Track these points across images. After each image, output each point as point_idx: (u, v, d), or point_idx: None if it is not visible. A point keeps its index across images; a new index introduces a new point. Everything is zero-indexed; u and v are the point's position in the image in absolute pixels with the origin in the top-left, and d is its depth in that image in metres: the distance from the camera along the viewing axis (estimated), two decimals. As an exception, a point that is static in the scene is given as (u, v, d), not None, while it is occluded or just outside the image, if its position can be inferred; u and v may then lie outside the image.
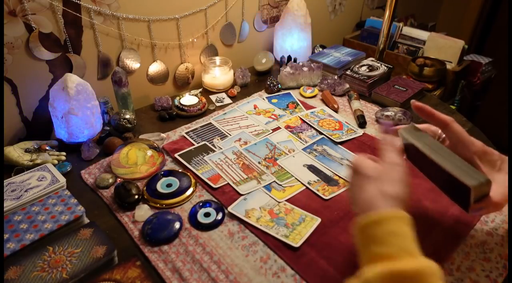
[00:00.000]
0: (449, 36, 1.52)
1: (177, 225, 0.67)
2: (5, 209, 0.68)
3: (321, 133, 0.94)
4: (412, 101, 0.62)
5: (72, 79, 0.82)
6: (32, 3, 0.81)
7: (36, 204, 0.69)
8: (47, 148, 0.85)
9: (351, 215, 0.70)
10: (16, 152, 0.81)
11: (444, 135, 0.61)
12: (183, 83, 1.20)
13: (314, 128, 0.96)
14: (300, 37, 1.29)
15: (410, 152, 0.59)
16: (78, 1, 0.87)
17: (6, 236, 0.62)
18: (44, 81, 0.91)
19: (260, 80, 1.24)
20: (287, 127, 0.97)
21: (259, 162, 0.84)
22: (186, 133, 0.94)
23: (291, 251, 0.63)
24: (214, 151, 0.87)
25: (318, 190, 0.76)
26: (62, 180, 0.75)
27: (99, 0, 0.91)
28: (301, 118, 1.00)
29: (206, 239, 0.66)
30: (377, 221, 0.47)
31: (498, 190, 0.53)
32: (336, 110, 1.04)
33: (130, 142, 0.83)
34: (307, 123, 0.98)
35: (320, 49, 1.40)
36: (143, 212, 0.70)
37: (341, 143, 0.91)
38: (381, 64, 1.22)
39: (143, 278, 0.57)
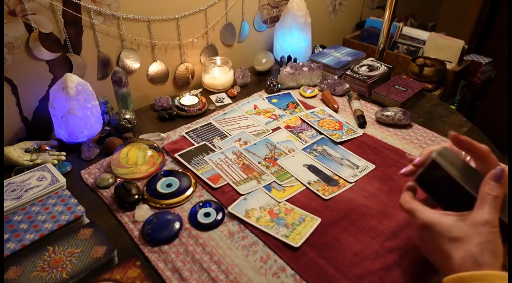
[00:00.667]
0: (449, 36, 1.53)
1: (177, 225, 0.67)
2: (5, 209, 0.68)
3: (321, 133, 0.94)
4: (451, 133, 0.56)
5: (72, 79, 0.82)
6: (32, 3, 0.81)
7: (36, 204, 0.69)
8: (47, 148, 0.85)
9: (351, 215, 0.70)
10: (16, 152, 0.81)
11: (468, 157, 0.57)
12: (183, 83, 1.20)
13: (314, 128, 0.96)
14: (300, 37, 1.29)
15: (431, 176, 0.55)
16: (78, 1, 0.87)
17: (6, 236, 0.62)
18: (44, 81, 0.91)
19: (260, 80, 1.24)
20: (287, 127, 0.97)
21: (259, 162, 0.84)
22: (186, 133, 0.94)
23: (291, 251, 0.63)
24: (214, 151, 0.87)
25: (318, 190, 0.76)
26: (62, 180, 0.75)
27: (99, 0, 0.91)
28: (301, 118, 1.00)
29: (206, 239, 0.66)
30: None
31: None
32: (336, 110, 1.04)
33: (130, 142, 0.83)
34: (307, 123, 0.98)
35: (320, 49, 1.40)
36: (143, 212, 0.70)
37: (341, 143, 0.91)
38: (381, 64, 1.22)
39: (143, 278, 0.57)
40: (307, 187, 0.77)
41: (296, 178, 0.79)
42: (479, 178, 0.51)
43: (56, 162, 0.83)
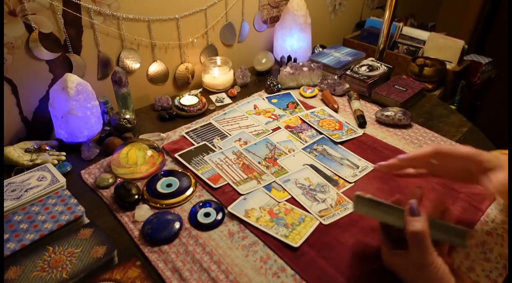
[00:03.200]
0: (449, 36, 1.52)
1: (177, 225, 0.67)
2: (5, 209, 0.68)
3: (321, 133, 0.94)
4: (377, 165, 0.64)
5: (72, 79, 0.82)
6: (32, 3, 0.81)
7: (36, 204, 0.69)
8: (47, 148, 0.85)
9: (351, 215, 0.70)
10: (16, 152, 0.81)
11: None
12: (183, 83, 1.20)
13: (314, 128, 0.96)
14: (300, 37, 1.29)
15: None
16: (78, 1, 0.87)
17: (6, 236, 0.62)
18: (44, 81, 0.91)
19: (260, 80, 1.24)
20: (287, 127, 0.97)
21: (259, 162, 0.84)
22: (186, 133, 0.94)
23: (291, 251, 0.63)
24: (214, 151, 0.87)
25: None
26: (62, 180, 0.75)
27: (99, 0, 0.91)
28: (301, 118, 1.00)
29: (206, 239, 0.66)
30: None
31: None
32: (336, 110, 1.04)
33: (130, 142, 0.83)
34: (307, 123, 0.98)
35: (320, 49, 1.40)
36: (143, 212, 0.70)
37: (341, 143, 0.91)
38: (381, 64, 1.22)
39: (143, 278, 0.57)
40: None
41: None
42: (398, 212, 0.55)
43: (56, 162, 0.83)
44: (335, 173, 0.81)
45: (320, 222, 0.68)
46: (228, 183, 0.78)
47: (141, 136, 0.91)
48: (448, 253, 0.57)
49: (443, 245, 0.55)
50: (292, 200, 0.74)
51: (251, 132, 0.94)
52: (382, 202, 0.56)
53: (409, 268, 0.53)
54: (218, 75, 1.14)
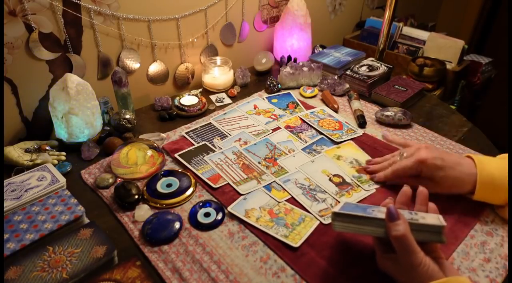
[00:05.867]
0: (449, 36, 1.52)
1: (177, 225, 0.67)
2: (5, 209, 0.68)
3: (321, 133, 0.94)
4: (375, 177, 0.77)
5: (72, 79, 0.82)
6: (32, 3, 0.81)
7: (36, 204, 0.69)
8: (47, 148, 0.85)
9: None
10: (16, 152, 0.81)
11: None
12: (183, 83, 1.20)
13: (314, 128, 0.96)
14: (300, 37, 1.29)
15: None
16: (78, 1, 0.87)
17: (6, 236, 0.62)
18: (44, 81, 0.91)
19: (260, 80, 1.24)
20: (287, 127, 0.97)
21: (259, 162, 0.84)
22: (186, 133, 0.94)
23: (291, 251, 0.63)
24: (214, 151, 0.87)
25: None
26: (62, 180, 0.75)
27: (99, 0, 0.91)
28: (301, 118, 1.00)
29: (206, 239, 0.66)
30: None
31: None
32: (336, 110, 1.04)
33: (130, 142, 0.83)
34: (307, 123, 0.98)
35: (320, 49, 1.40)
36: (143, 212, 0.70)
37: (341, 143, 0.91)
38: (381, 64, 1.22)
39: (143, 278, 0.57)
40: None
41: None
42: (378, 221, 0.55)
43: (56, 162, 0.83)
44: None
45: (320, 222, 0.68)
46: (228, 183, 0.77)
47: (141, 136, 0.91)
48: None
49: (434, 245, 0.56)
50: (292, 200, 0.74)
51: (251, 132, 0.94)
52: (360, 214, 0.56)
53: (401, 270, 0.54)
54: (218, 75, 1.14)
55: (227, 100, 1.11)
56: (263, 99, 1.10)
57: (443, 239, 0.53)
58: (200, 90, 1.12)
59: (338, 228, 0.56)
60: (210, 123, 0.98)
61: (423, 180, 0.70)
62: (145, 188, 0.76)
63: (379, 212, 0.56)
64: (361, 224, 0.55)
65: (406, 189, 0.61)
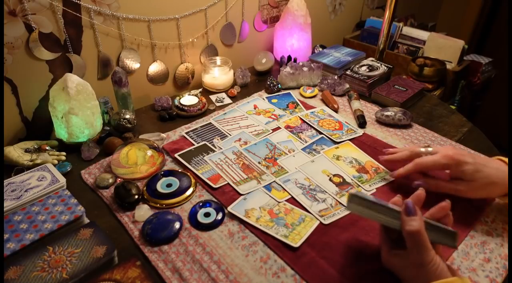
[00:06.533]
0: (449, 36, 1.53)
1: (177, 225, 0.67)
2: (5, 209, 0.68)
3: (321, 133, 0.94)
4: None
5: (72, 79, 0.82)
6: (32, 3, 0.81)
7: (36, 204, 0.69)
8: (47, 148, 0.85)
9: (351, 215, 0.70)
10: (16, 152, 0.81)
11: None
12: (183, 83, 1.20)
13: (314, 128, 0.96)
14: (300, 37, 1.29)
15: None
16: (78, 1, 0.87)
17: (6, 236, 0.62)
18: (44, 81, 0.91)
19: (260, 80, 1.24)
20: (287, 127, 0.97)
21: (259, 162, 0.84)
22: (186, 133, 0.94)
23: (291, 251, 0.63)
24: (214, 151, 0.87)
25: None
26: (62, 180, 0.75)
27: (99, 0, 0.91)
28: (301, 118, 1.00)
29: (206, 239, 0.66)
30: None
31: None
32: (336, 110, 1.04)
33: (130, 142, 0.83)
34: (307, 123, 0.98)
35: (320, 49, 1.40)
36: (143, 212, 0.70)
37: (341, 143, 0.91)
38: (381, 64, 1.22)
39: (143, 278, 0.57)
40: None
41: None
42: (393, 212, 0.55)
43: (56, 162, 0.83)
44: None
45: (320, 222, 0.68)
46: (228, 183, 0.77)
47: (141, 136, 0.91)
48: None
49: (437, 245, 0.55)
50: (292, 200, 0.74)
51: (251, 132, 0.94)
52: (376, 202, 0.56)
53: (408, 267, 0.53)
54: (218, 75, 1.14)
55: (227, 100, 1.11)
56: (263, 99, 1.10)
57: (455, 244, 0.53)
58: (200, 90, 1.12)
59: (352, 209, 0.56)
60: (210, 123, 0.98)
61: (452, 181, 0.67)
62: (145, 188, 0.76)
63: (395, 207, 0.57)
64: (377, 211, 0.55)
65: (420, 192, 0.59)
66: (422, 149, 0.72)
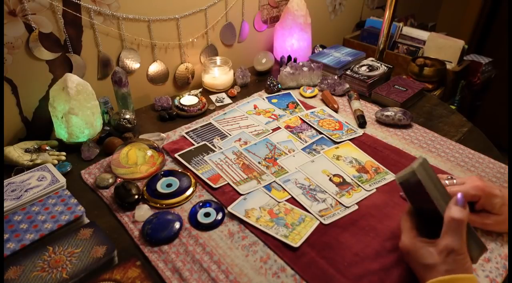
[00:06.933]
0: (449, 36, 1.53)
1: (177, 225, 0.67)
2: (5, 209, 0.68)
3: (321, 133, 0.94)
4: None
5: (72, 79, 0.82)
6: (32, 3, 0.81)
7: (36, 204, 0.69)
8: (47, 148, 0.85)
9: (351, 215, 0.70)
10: (16, 152, 0.81)
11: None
12: (183, 83, 1.20)
13: (314, 128, 0.96)
14: (300, 37, 1.29)
15: (410, 183, 0.57)
16: (78, 1, 0.87)
17: (6, 236, 0.62)
18: (44, 81, 0.91)
19: (260, 80, 1.24)
20: (287, 127, 0.97)
21: (259, 162, 0.84)
22: (186, 133, 0.94)
23: (291, 251, 0.63)
24: (214, 151, 0.87)
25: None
26: (62, 180, 0.75)
27: (99, 0, 0.91)
28: (301, 118, 1.00)
29: (206, 239, 0.66)
30: None
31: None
32: (336, 110, 1.04)
33: (130, 142, 0.83)
34: (307, 123, 0.98)
35: (320, 49, 1.40)
36: (143, 212, 0.70)
37: (341, 143, 0.91)
38: (381, 64, 1.22)
39: (143, 278, 0.57)
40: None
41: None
42: (448, 198, 0.55)
43: (56, 162, 0.83)
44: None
45: (320, 222, 0.68)
46: (228, 183, 0.77)
47: (141, 136, 0.91)
48: None
49: None
50: (292, 200, 0.74)
51: (251, 132, 0.94)
52: (437, 177, 0.56)
53: (433, 254, 0.52)
54: (218, 75, 1.14)
55: (227, 100, 1.11)
56: (263, 99, 1.10)
57: (478, 258, 0.55)
58: (200, 90, 1.12)
59: (419, 171, 0.54)
60: (210, 123, 0.98)
61: (479, 215, 0.64)
62: (145, 188, 0.76)
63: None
64: (435, 185, 0.55)
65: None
66: (447, 182, 0.67)
